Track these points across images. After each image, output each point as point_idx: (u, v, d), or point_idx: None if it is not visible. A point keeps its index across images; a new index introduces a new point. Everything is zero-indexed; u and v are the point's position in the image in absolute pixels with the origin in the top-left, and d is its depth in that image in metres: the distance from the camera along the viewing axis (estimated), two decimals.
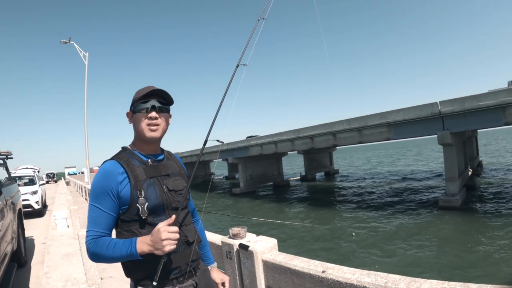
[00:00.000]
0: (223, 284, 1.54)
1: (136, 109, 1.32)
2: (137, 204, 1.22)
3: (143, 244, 1.15)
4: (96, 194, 1.24)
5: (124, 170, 1.25)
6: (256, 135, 31.62)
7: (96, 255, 1.20)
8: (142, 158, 1.33)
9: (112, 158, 1.30)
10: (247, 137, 32.41)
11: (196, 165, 1.80)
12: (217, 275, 1.56)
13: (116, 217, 1.27)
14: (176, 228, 1.17)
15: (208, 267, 1.57)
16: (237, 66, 1.58)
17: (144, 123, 1.30)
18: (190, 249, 1.35)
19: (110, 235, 1.26)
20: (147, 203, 1.23)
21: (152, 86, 1.35)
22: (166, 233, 1.13)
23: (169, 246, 1.13)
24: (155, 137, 1.32)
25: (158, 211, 1.27)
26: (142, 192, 1.24)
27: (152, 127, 1.31)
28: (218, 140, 1.48)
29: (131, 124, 1.37)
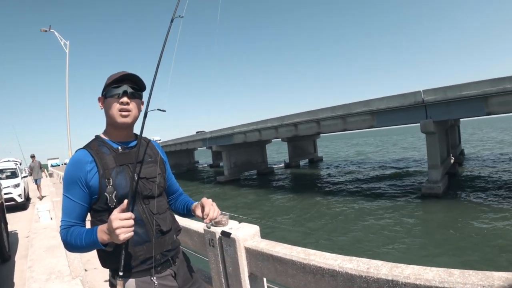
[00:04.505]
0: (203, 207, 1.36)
1: (107, 94, 1.28)
2: (105, 193, 1.21)
3: (102, 233, 1.12)
4: (67, 184, 1.23)
5: (93, 159, 1.23)
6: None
7: (68, 245, 1.19)
8: (112, 145, 1.30)
9: (83, 147, 1.28)
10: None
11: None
12: (197, 209, 1.39)
13: (88, 207, 1.25)
14: (128, 215, 1.09)
15: (192, 206, 1.45)
16: (172, 21, 1.38)
17: (115, 109, 1.27)
18: (165, 238, 1.32)
19: (82, 224, 1.25)
20: (115, 192, 1.21)
21: (124, 71, 1.31)
22: (118, 221, 1.06)
23: (124, 235, 1.06)
24: (127, 122, 1.30)
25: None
26: (111, 181, 1.22)
27: (124, 113, 1.28)
28: (159, 109, 1.32)
29: (103, 109, 1.33)
